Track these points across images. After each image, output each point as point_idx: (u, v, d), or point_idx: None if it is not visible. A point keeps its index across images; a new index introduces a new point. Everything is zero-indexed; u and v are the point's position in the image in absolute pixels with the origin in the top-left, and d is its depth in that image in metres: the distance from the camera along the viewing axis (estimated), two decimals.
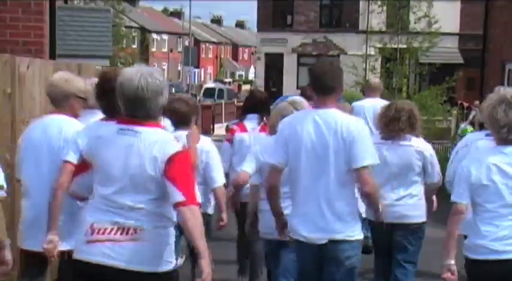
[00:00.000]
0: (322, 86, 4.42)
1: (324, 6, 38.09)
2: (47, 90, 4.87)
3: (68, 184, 4.10)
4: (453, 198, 4.25)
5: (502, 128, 4.09)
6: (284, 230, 4.72)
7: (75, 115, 4.78)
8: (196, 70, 64.04)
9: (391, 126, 5.62)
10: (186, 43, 53.99)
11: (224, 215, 5.76)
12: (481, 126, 6.16)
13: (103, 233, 3.54)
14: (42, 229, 4.36)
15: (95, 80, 4.74)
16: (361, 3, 35.47)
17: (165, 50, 68.13)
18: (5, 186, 3.97)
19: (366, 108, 8.71)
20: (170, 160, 3.48)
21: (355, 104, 9.20)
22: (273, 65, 39.01)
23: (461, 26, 34.66)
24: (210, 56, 78.44)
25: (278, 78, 38.88)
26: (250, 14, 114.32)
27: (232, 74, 78.50)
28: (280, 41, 37.84)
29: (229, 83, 59.96)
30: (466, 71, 30.39)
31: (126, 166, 3.53)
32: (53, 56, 8.55)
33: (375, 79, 9.99)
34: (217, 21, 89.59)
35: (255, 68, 48.23)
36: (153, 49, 65.58)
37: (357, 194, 4.54)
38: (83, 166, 3.85)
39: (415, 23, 26.56)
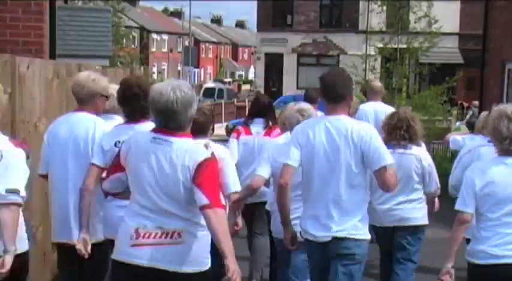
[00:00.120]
0: (333, 95, 4.58)
1: (324, 6, 38.08)
2: (74, 89, 5.04)
3: (93, 185, 4.53)
4: (458, 207, 4.47)
5: (505, 140, 4.36)
6: (292, 241, 4.88)
7: (98, 112, 5.04)
8: (196, 70, 64.07)
9: (393, 135, 5.80)
10: (186, 43, 54.03)
11: (239, 220, 5.88)
12: (472, 128, 6.34)
13: (148, 237, 3.74)
14: (68, 222, 4.78)
15: (115, 86, 5.12)
16: (361, 3, 35.45)
17: (165, 50, 68.14)
18: (22, 191, 3.95)
19: (367, 112, 8.75)
20: (199, 167, 3.68)
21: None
22: (273, 65, 39.00)
23: (461, 25, 34.68)
24: (210, 56, 78.46)
25: (278, 78, 38.89)
26: (250, 14, 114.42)
27: (232, 74, 78.52)
28: (280, 41, 37.84)
29: (229, 83, 59.97)
30: (466, 71, 30.41)
31: (160, 174, 3.73)
32: (53, 56, 8.56)
33: (377, 83, 9.93)
34: (217, 21, 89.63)
35: (254, 68, 48.23)
36: (153, 49, 65.59)
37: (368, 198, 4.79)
38: (119, 167, 4.00)
39: (415, 22, 26.53)
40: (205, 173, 3.69)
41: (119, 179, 4.05)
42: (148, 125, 4.47)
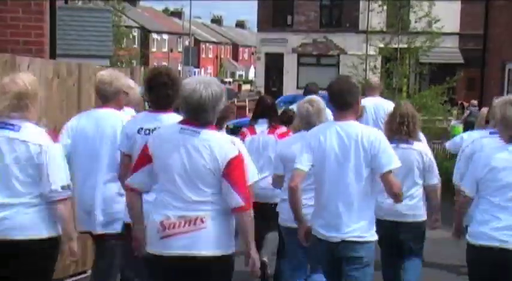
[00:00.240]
0: (341, 103, 4.79)
1: (324, 6, 38.09)
2: (99, 87, 5.27)
3: (126, 172, 4.60)
4: (462, 188, 4.89)
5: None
6: (306, 236, 4.99)
7: (120, 108, 5.32)
8: (197, 70, 64.00)
9: (396, 131, 5.96)
10: (186, 43, 54.05)
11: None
12: (469, 127, 6.54)
13: (173, 227, 3.96)
14: (94, 213, 5.06)
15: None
16: (361, 3, 35.43)
17: (165, 49, 68.15)
18: (70, 184, 4.33)
19: (367, 107, 8.85)
20: (230, 164, 3.95)
21: None
22: (273, 65, 39.01)
23: (462, 25, 34.69)
24: (210, 56, 78.47)
25: (278, 78, 38.90)
26: (250, 14, 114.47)
27: (233, 74, 78.55)
28: (280, 41, 37.85)
29: (230, 82, 60.00)
30: (467, 71, 30.37)
31: (188, 162, 3.96)
32: (53, 55, 8.56)
33: (374, 78, 10.33)
34: (217, 21, 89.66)
35: (255, 68, 48.26)
36: (153, 49, 65.60)
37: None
38: (144, 160, 4.15)
39: (415, 22, 26.51)
40: (238, 172, 3.98)
41: (142, 175, 4.14)
42: (172, 116, 4.67)
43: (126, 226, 4.87)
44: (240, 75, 79.56)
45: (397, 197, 4.74)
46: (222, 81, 56.37)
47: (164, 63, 66.10)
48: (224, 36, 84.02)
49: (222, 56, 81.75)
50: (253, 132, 7.18)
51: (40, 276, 4.32)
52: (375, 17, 31.28)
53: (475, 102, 17.99)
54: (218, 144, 3.99)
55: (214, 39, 79.67)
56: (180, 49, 61.32)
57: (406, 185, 5.81)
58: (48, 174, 4.20)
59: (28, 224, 4.20)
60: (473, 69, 25.13)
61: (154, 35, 66.42)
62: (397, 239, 5.99)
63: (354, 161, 4.64)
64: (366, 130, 4.77)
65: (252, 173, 5.38)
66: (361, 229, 4.69)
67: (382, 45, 27.23)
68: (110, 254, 5.25)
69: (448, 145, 7.36)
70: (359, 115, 5.26)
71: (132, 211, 4.26)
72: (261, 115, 7.20)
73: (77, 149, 5.15)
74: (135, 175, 4.16)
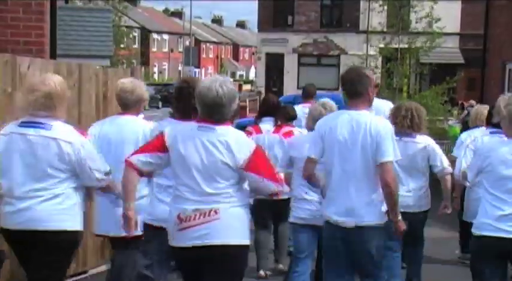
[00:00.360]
0: (351, 91, 5.01)
1: (325, 6, 38.04)
2: (120, 96, 5.54)
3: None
4: (466, 173, 5.34)
5: None
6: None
7: (138, 114, 5.60)
8: (197, 70, 64.01)
9: (399, 123, 6.16)
10: (187, 43, 54.03)
11: None
12: (468, 126, 6.78)
13: (189, 220, 4.17)
14: (114, 216, 5.09)
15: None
16: (361, 2, 35.39)
17: (165, 50, 68.18)
18: (110, 169, 4.68)
19: None
20: (253, 158, 4.18)
21: None
22: (274, 65, 38.98)
23: (462, 25, 34.63)
24: (211, 56, 78.48)
25: (279, 78, 38.87)
26: (251, 14, 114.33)
27: (233, 74, 78.54)
28: (280, 41, 37.82)
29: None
30: (467, 71, 30.35)
31: (206, 157, 4.16)
32: (53, 55, 8.56)
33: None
34: (218, 21, 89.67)
35: (255, 68, 48.23)
36: (154, 49, 65.63)
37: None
38: (158, 147, 4.29)
39: (416, 22, 26.51)
40: (262, 161, 4.23)
41: (159, 159, 4.28)
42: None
43: (145, 226, 5.06)
44: (241, 76, 79.54)
45: (388, 187, 4.80)
46: None
47: (165, 63, 66.18)
48: (225, 36, 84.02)
49: (223, 56, 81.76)
50: (258, 131, 7.35)
51: (52, 268, 4.51)
52: (376, 17, 31.30)
53: (473, 102, 17.94)
54: (235, 139, 4.19)
55: (214, 39, 79.68)
56: (180, 49, 61.33)
57: (412, 176, 6.15)
58: (90, 167, 4.53)
59: (47, 217, 4.45)
60: (474, 70, 25.10)
61: (155, 35, 66.44)
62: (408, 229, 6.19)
63: (362, 149, 4.83)
64: (375, 119, 4.96)
65: None
66: (373, 215, 4.86)
67: (382, 45, 27.23)
68: (128, 253, 5.42)
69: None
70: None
71: (126, 188, 4.34)
72: (266, 114, 7.39)
73: (101, 154, 5.19)
74: (144, 156, 4.28)
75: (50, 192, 4.48)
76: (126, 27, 39.81)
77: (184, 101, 4.97)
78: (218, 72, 76.04)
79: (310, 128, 5.94)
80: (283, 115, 7.37)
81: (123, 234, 4.76)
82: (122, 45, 36.22)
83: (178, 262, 4.46)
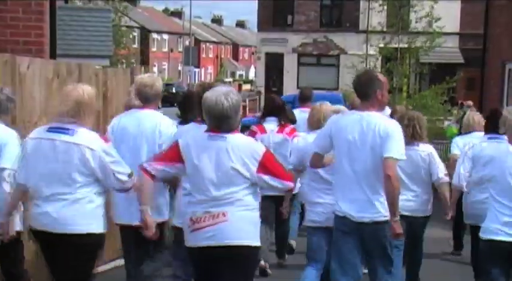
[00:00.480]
0: (360, 94, 5.26)
1: (325, 6, 38.03)
2: (140, 90, 5.72)
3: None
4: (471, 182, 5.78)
5: None
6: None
7: (157, 108, 5.82)
8: (197, 70, 64.06)
9: (403, 133, 6.19)
10: (187, 43, 54.03)
11: None
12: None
13: (199, 222, 4.43)
14: (134, 207, 5.11)
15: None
16: (361, 2, 35.38)
17: (165, 49, 68.16)
18: (133, 171, 4.82)
19: None
20: (264, 161, 4.43)
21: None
22: (273, 65, 38.96)
23: (462, 25, 34.62)
24: (211, 55, 78.47)
25: (278, 78, 38.85)
26: (250, 13, 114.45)
27: (233, 74, 78.54)
28: (280, 40, 37.81)
29: (230, 82, 59.92)
30: (467, 71, 30.32)
31: (218, 165, 4.41)
32: (53, 55, 8.57)
33: None
34: (217, 21, 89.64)
35: (255, 67, 48.22)
36: (154, 49, 65.61)
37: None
38: (174, 157, 4.54)
39: (416, 22, 26.49)
40: (272, 162, 4.48)
41: (166, 168, 4.54)
42: None
43: (175, 229, 5.30)
44: (240, 75, 79.55)
45: (388, 180, 4.95)
46: (223, 81, 56.56)
47: (164, 63, 66.16)
48: (224, 36, 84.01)
49: (222, 56, 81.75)
50: (262, 130, 7.55)
51: (78, 270, 4.71)
52: (375, 17, 31.28)
53: (470, 102, 17.91)
54: (244, 145, 4.45)
55: (214, 39, 79.67)
56: (180, 49, 61.34)
57: (417, 183, 6.37)
58: (114, 171, 4.72)
59: (72, 220, 4.64)
60: (473, 69, 25.09)
61: (155, 35, 66.42)
62: (410, 231, 6.32)
63: (371, 148, 5.04)
64: (384, 120, 5.19)
65: None
66: (385, 210, 5.08)
67: (382, 45, 27.22)
68: (148, 242, 5.53)
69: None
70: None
71: (143, 193, 4.64)
72: (270, 114, 7.58)
73: (119, 146, 5.41)
74: (160, 165, 4.53)
75: (73, 196, 4.66)
76: (126, 27, 39.76)
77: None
78: (218, 72, 76.12)
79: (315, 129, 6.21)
80: (287, 115, 7.61)
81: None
82: (122, 45, 36.19)
83: (192, 262, 4.67)
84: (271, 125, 7.50)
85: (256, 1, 39.09)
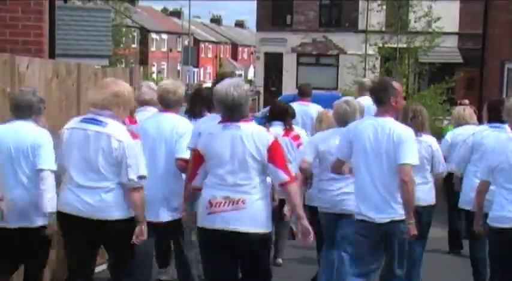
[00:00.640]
0: (376, 100, 5.58)
1: (324, 5, 38.01)
2: (162, 96, 5.99)
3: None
4: (481, 176, 5.75)
5: None
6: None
7: (178, 112, 6.06)
8: (196, 70, 64.05)
9: (409, 125, 6.35)
10: (186, 43, 54.09)
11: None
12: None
13: (218, 206, 4.71)
14: (157, 204, 5.67)
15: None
16: (360, 2, 35.37)
17: (164, 49, 68.10)
18: (147, 176, 5.05)
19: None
20: (271, 148, 4.72)
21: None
22: (273, 65, 38.95)
23: (461, 25, 34.59)
24: (210, 55, 78.44)
25: (277, 78, 38.85)
26: (249, 13, 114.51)
27: (232, 74, 78.36)
28: (279, 40, 37.81)
29: (240, 75, 59.85)
30: (466, 71, 30.28)
31: (233, 151, 4.72)
32: (52, 55, 8.57)
33: (367, 80, 10.75)
34: (216, 20, 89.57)
35: (254, 67, 48.21)
36: (153, 49, 65.57)
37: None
38: (198, 161, 4.94)
39: (415, 22, 26.49)
40: (278, 153, 4.75)
41: (201, 173, 4.91)
42: None
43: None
44: (240, 75, 79.39)
45: (404, 185, 5.27)
46: (234, 74, 56.28)
47: (163, 62, 66.15)
48: (223, 36, 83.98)
49: (222, 56, 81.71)
50: None
51: (126, 253, 5.09)
52: (374, 17, 31.28)
53: (466, 101, 17.92)
54: (257, 133, 4.76)
55: (213, 39, 79.64)
56: (179, 49, 61.31)
57: (420, 172, 6.43)
58: (127, 165, 4.90)
59: (107, 207, 4.91)
60: (473, 69, 25.06)
61: (154, 35, 66.37)
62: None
63: (386, 153, 5.33)
64: (398, 126, 5.47)
65: None
66: (401, 209, 5.34)
67: (381, 45, 27.20)
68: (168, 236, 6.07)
69: (443, 146, 7.74)
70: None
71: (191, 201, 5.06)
72: (275, 118, 7.81)
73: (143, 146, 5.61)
74: (199, 178, 4.92)
75: (105, 184, 4.92)
76: (126, 27, 39.76)
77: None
78: (217, 71, 76.03)
79: (328, 125, 6.64)
80: (291, 122, 7.84)
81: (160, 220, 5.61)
82: (121, 45, 36.19)
83: (202, 243, 4.91)
84: (277, 128, 7.65)
85: (255, 1, 39.08)
